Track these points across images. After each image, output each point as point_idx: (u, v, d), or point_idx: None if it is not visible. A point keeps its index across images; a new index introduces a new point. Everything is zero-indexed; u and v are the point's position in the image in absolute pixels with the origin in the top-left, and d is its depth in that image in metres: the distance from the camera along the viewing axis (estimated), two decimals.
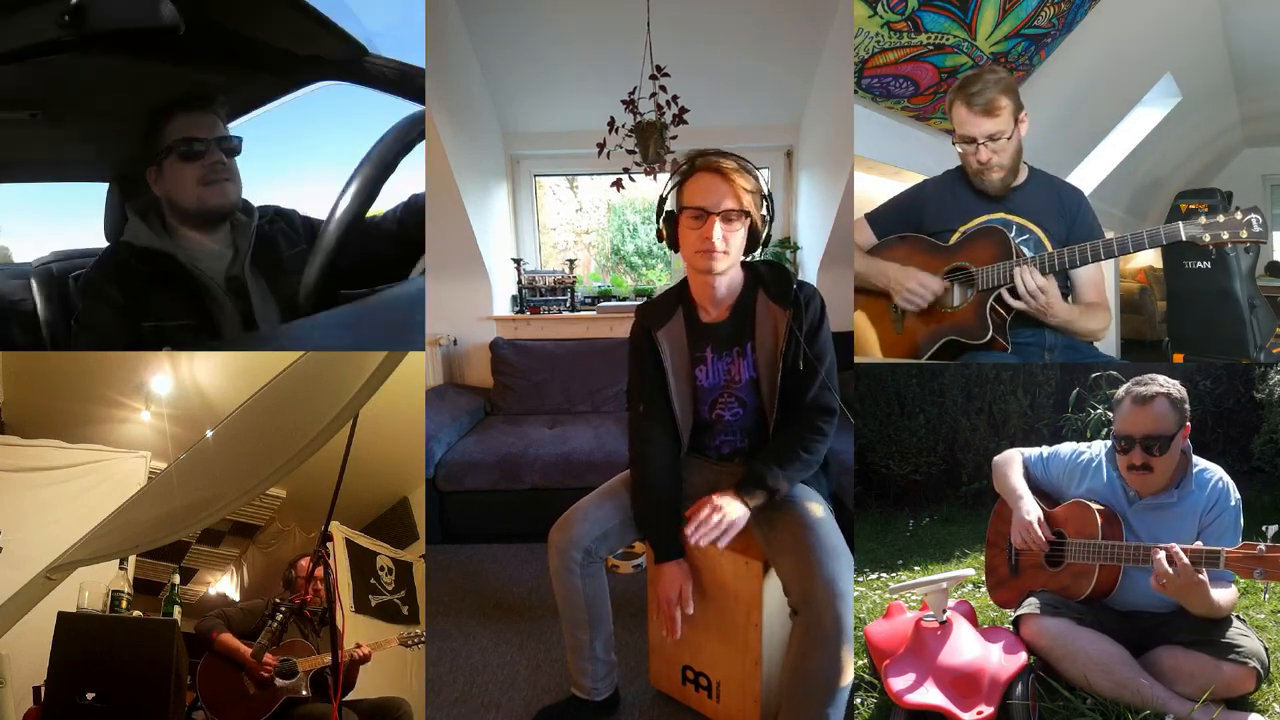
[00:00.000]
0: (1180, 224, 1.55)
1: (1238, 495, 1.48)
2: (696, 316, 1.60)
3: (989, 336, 1.74)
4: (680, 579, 1.58)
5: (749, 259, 1.58)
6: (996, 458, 1.76)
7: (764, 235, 1.54)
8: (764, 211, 1.53)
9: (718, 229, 1.46)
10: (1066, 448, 1.68)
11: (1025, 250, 1.74)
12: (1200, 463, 1.51)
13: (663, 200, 1.57)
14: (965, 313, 1.79)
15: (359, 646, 2.02)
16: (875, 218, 1.96)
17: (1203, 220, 1.53)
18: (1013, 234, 1.75)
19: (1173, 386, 1.49)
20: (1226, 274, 2.96)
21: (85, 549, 2.01)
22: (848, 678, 1.39)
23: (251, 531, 3.32)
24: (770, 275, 1.57)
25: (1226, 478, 1.50)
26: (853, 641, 1.38)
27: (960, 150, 1.79)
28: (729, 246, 1.48)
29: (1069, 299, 1.82)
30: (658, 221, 1.59)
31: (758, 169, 1.54)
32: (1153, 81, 3.02)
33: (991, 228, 1.78)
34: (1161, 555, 1.35)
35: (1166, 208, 3.31)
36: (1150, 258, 4.24)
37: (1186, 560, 1.33)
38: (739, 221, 1.48)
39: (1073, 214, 1.80)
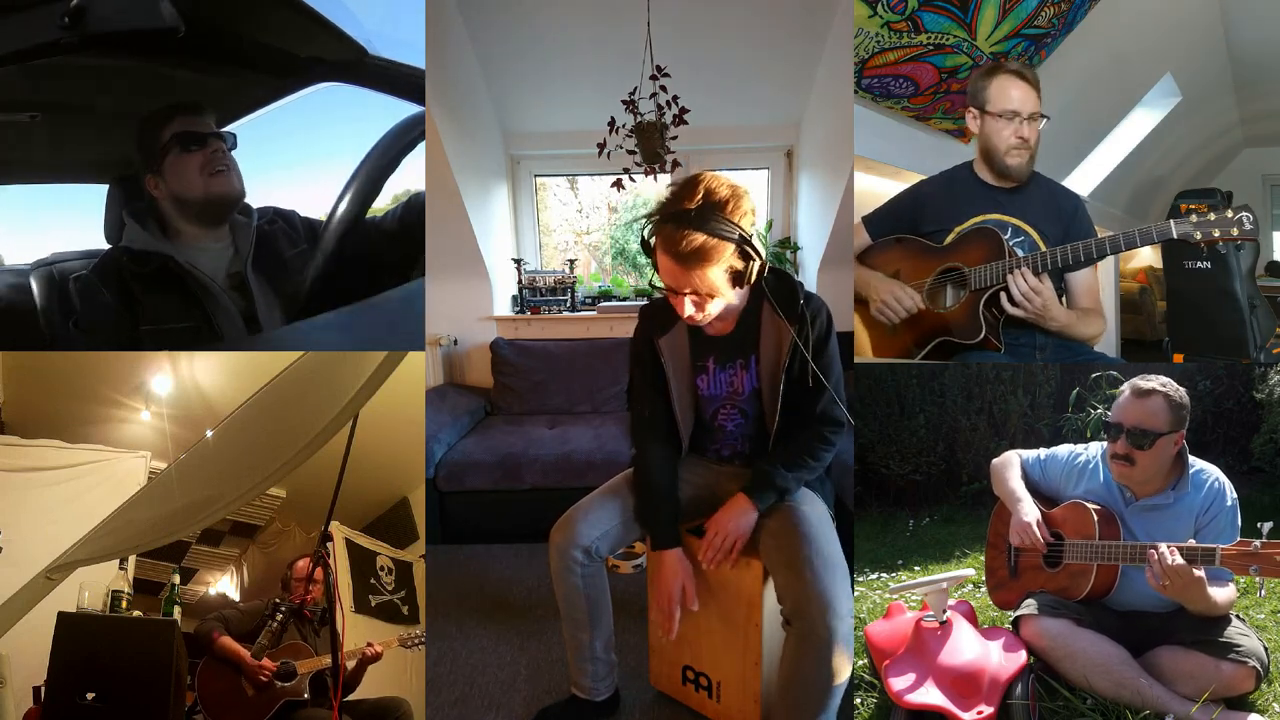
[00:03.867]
0: (1172, 222, 1.56)
1: (1234, 495, 1.49)
2: (700, 327, 1.59)
3: (982, 336, 1.74)
4: (680, 573, 1.58)
5: None
6: (994, 460, 1.76)
7: (756, 269, 1.42)
8: (748, 258, 1.40)
9: (688, 304, 1.43)
10: (1064, 450, 1.69)
11: (1019, 251, 1.74)
12: (1196, 463, 1.51)
13: (644, 242, 1.47)
14: (958, 313, 1.79)
15: (370, 645, 2.02)
16: (871, 220, 1.96)
17: (1194, 218, 1.54)
18: (1007, 235, 1.75)
19: (1175, 390, 1.49)
20: (1227, 274, 2.96)
21: (85, 549, 2.01)
22: (841, 680, 1.37)
23: (251, 531, 3.33)
24: (777, 287, 1.54)
25: (1223, 477, 1.50)
26: (850, 650, 1.38)
27: (998, 126, 1.76)
28: (707, 310, 1.44)
29: (1063, 303, 1.82)
30: (647, 257, 1.49)
31: (727, 227, 1.35)
32: (1153, 81, 3.02)
33: (985, 228, 1.77)
34: (1158, 552, 1.35)
35: (1166, 208, 3.31)
36: (1150, 258, 4.24)
37: (1181, 560, 1.33)
38: (710, 296, 1.42)
39: (1069, 218, 1.80)
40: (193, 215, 1.56)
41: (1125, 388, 1.54)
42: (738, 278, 1.42)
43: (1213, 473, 1.50)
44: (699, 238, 1.34)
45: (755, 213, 1.43)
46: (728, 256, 1.38)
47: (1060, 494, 1.64)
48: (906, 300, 1.82)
